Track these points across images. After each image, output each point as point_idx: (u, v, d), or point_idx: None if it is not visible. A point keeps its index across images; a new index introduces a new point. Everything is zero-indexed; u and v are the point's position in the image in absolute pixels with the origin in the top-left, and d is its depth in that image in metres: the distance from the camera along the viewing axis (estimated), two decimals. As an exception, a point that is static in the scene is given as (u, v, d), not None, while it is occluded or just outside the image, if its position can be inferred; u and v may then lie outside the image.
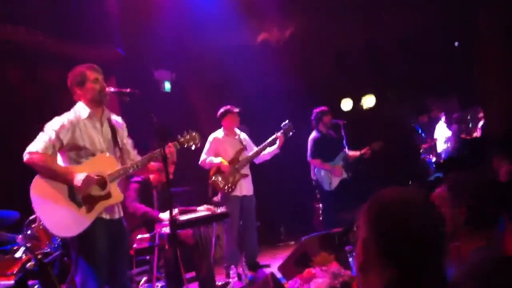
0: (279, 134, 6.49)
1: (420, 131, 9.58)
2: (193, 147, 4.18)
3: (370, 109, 9.88)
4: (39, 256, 3.00)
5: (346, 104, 9.84)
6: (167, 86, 8.51)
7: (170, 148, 3.94)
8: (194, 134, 4.21)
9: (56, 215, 3.52)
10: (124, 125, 4.06)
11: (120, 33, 7.00)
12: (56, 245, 5.21)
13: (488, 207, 2.06)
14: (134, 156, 4.00)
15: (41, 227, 5.00)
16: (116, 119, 3.99)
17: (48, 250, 5.09)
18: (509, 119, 7.49)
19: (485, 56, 7.97)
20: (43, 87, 6.43)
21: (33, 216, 5.01)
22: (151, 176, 5.61)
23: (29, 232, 5.05)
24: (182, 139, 4.13)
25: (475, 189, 2.08)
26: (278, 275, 5.64)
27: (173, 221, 3.67)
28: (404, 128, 9.64)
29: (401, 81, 9.14)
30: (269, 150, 6.52)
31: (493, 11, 7.71)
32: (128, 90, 3.81)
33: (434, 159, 9.29)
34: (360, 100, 9.87)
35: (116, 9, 6.82)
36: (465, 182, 2.12)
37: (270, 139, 6.47)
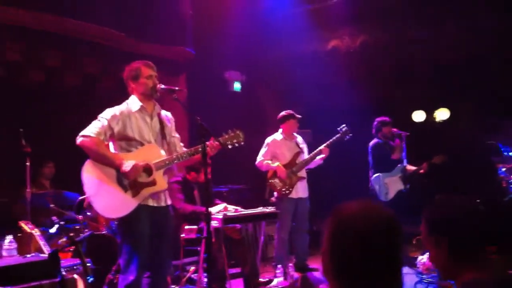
0: (323, 147, 6.50)
1: (503, 150, 9.18)
2: (236, 145, 4.18)
3: (444, 122, 9.60)
4: (70, 234, 3.30)
5: (418, 116, 9.62)
6: (237, 86, 8.74)
7: (212, 144, 4.00)
8: (238, 132, 4.19)
9: (103, 197, 3.80)
10: (173, 120, 4.28)
11: (192, 33, 7.33)
12: (113, 228, 5.56)
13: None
14: (180, 149, 4.20)
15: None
16: (166, 114, 4.22)
17: (105, 232, 5.44)
18: None
19: None
20: (117, 81, 6.88)
21: (81, 198, 5.35)
22: (188, 176, 5.89)
23: (89, 213, 5.43)
24: (226, 137, 4.15)
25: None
26: (323, 278, 5.72)
27: (208, 216, 3.77)
28: (479, 144, 9.28)
29: (478, 97, 8.81)
30: (316, 158, 6.57)
31: None
32: (176, 88, 4.05)
33: (514, 181, 8.86)
34: (433, 112, 9.61)
35: (189, 10, 7.16)
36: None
37: (317, 149, 6.51)
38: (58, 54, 6.63)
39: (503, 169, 9.15)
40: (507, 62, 8.13)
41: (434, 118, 9.65)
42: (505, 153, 9.12)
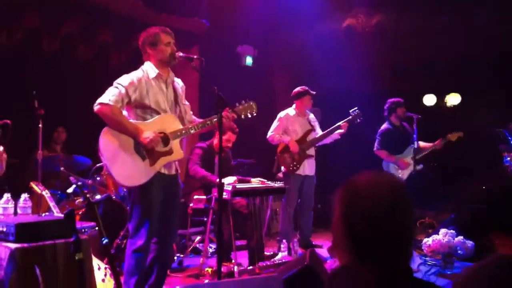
0: (342, 123, 6.51)
1: (510, 138, 9.15)
2: (249, 116, 4.19)
3: (454, 107, 9.56)
4: (87, 195, 3.29)
5: (429, 100, 9.57)
6: (249, 60, 8.69)
7: (228, 114, 4.00)
8: (251, 103, 4.19)
9: (122, 165, 3.76)
10: (184, 87, 4.24)
11: (207, 5, 7.27)
12: (122, 194, 5.60)
13: None
14: (189, 117, 4.20)
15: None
16: (178, 81, 4.18)
17: (114, 197, 5.48)
18: None
19: None
20: (130, 52, 6.83)
21: (99, 164, 5.37)
22: (215, 142, 5.87)
23: (98, 178, 5.46)
24: (240, 107, 4.15)
25: None
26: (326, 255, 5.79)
27: (220, 186, 3.82)
28: (489, 131, 9.25)
29: (490, 83, 8.76)
30: (334, 133, 6.57)
31: None
32: (195, 56, 4.02)
33: (520, 169, 8.86)
34: (444, 97, 9.57)
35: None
36: None
37: (335, 125, 6.52)
38: (76, 23, 6.61)
39: (508, 158, 9.15)
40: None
41: (445, 103, 9.62)
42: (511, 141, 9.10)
